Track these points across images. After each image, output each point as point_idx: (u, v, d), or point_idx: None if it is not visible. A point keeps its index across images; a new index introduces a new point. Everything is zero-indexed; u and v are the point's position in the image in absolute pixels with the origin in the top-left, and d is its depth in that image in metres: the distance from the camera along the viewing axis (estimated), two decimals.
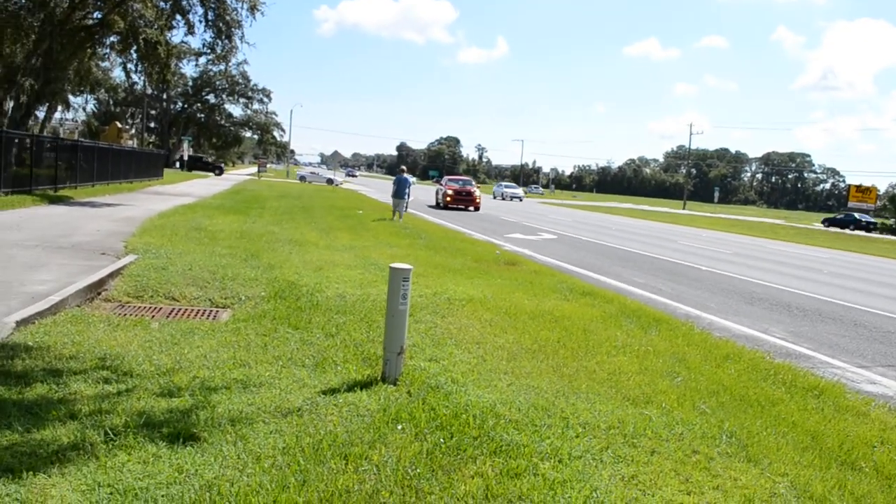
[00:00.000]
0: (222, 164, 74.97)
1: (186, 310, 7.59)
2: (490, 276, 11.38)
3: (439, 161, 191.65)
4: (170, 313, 7.38)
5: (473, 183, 39.92)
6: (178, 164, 70.80)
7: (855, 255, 28.38)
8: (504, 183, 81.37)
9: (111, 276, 8.78)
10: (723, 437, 4.85)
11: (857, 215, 62.00)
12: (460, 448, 4.23)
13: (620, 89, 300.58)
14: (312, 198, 33.45)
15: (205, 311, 7.62)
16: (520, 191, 71.20)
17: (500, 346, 6.81)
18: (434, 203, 39.21)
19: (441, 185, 39.82)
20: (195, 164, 68.80)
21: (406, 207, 25.65)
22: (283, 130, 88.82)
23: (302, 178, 72.08)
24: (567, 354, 6.67)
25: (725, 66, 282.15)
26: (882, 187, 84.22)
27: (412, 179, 28.16)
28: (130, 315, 7.12)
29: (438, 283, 10.08)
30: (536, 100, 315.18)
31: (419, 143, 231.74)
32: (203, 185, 38.53)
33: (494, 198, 64.90)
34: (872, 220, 60.43)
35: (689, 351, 7.31)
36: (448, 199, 36.18)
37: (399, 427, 4.48)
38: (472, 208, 36.11)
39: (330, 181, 68.09)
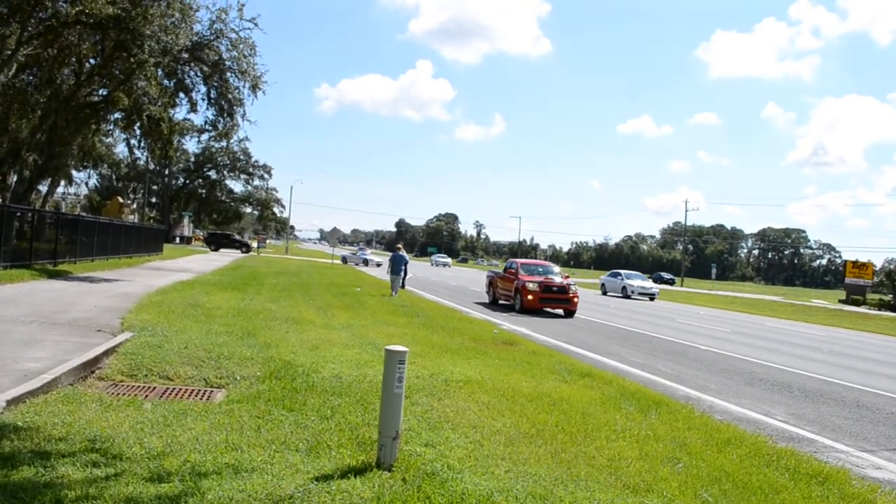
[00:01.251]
0: (249, 241, 74.51)
1: (180, 389, 7.50)
2: (488, 356, 11.29)
3: (438, 237, 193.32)
4: (163, 393, 7.29)
5: (558, 270, 26.89)
6: (177, 240, 71.04)
7: (854, 333, 28.28)
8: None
9: (106, 353, 8.70)
10: None
11: None
12: None
13: (616, 166, 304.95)
14: (311, 275, 33.49)
15: (199, 391, 7.53)
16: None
17: (498, 430, 6.70)
18: (489, 299, 27.75)
19: (504, 273, 26.74)
20: (221, 242, 67.29)
21: (403, 284, 25.77)
22: (282, 206, 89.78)
23: (344, 260, 66.04)
24: (565, 439, 6.56)
25: (718, 142, 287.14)
26: (878, 262, 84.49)
27: (407, 256, 27.48)
28: (123, 395, 7.03)
29: (435, 363, 10.00)
30: (533, 176, 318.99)
31: (418, 219, 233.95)
32: (202, 261, 38.65)
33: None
34: None
35: (690, 435, 7.19)
36: (530, 297, 23.15)
37: None
38: (563, 311, 23.72)
39: (366, 262, 63.79)
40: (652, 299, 42.51)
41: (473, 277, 56.84)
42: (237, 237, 73.94)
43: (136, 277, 22.30)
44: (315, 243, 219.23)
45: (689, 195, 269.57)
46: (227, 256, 49.35)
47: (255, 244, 74.19)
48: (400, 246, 27.90)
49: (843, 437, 8.45)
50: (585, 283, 66.22)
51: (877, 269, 79.70)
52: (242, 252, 62.81)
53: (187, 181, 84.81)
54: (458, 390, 8.30)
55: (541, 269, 26.02)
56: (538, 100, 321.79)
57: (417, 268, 64.11)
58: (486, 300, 27.82)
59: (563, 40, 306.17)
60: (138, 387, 7.49)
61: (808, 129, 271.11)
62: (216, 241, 67.32)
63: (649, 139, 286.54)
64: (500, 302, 26.13)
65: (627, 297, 42.48)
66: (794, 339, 22.68)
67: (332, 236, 59.22)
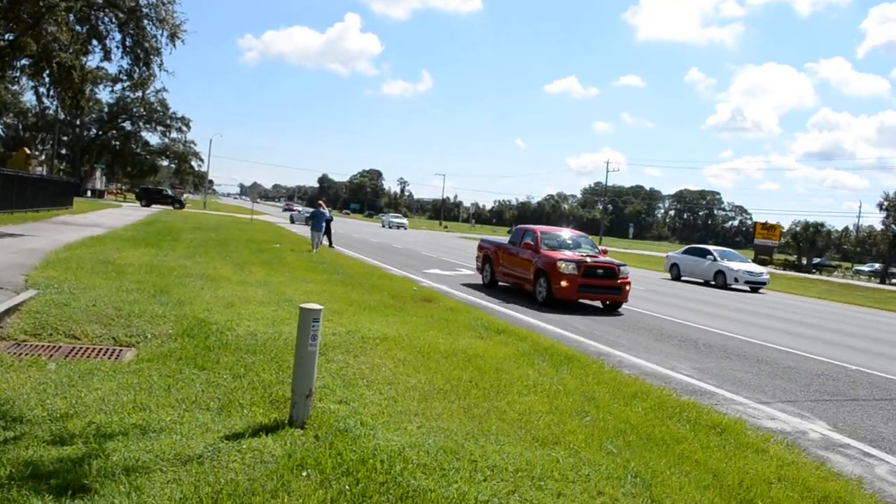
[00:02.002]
0: (182, 198, 71.45)
1: (88, 349, 7.29)
2: (406, 313, 11.34)
3: (361, 194, 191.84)
4: (69, 353, 7.07)
5: (591, 241, 19.14)
6: (89, 194, 68.24)
7: (759, 292, 29.50)
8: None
9: (7, 312, 8.36)
10: (628, 478, 4.92)
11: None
12: (365, 495, 4.16)
13: (541, 126, 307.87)
14: (229, 230, 32.80)
15: (107, 350, 7.33)
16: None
17: (413, 386, 6.77)
18: (483, 279, 20.06)
19: (511, 245, 18.60)
20: (153, 198, 63.81)
21: (331, 243, 25.58)
22: (201, 160, 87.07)
23: (292, 220, 63.53)
24: (479, 394, 6.69)
25: (642, 104, 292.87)
26: (786, 224, 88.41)
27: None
28: (26, 355, 6.78)
29: (353, 320, 9.99)
30: (459, 134, 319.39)
31: (341, 175, 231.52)
32: (115, 216, 37.36)
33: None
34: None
35: (599, 389, 7.43)
36: (565, 284, 15.60)
37: (304, 474, 4.37)
38: (607, 302, 16.54)
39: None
40: (756, 290, 29.49)
41: (427, 239, 56.68)
42: (170, 192, 71.00)
43: (43, 233, 21.39)
44: (235, 198, 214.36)
45: (611, 156, 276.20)
46: (142, 211, 47.83)
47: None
48: (321, 202, 27.68)
49: (742, 390, 8.87)
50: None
51: (784, 230, 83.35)
52: (175, 208, 60.47)
53: (100, 133, 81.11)
54: (375, 347, 8.33)
55: (570, 241, 18.15)
56: (467, 58, 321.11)
57: (370, 230, 63.41)
58: (478, 279, 20.48)
59: None
60: (42, 346, 7.24)
61: (728, 95, 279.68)
62: (148, 197, 64.15)
63: (575, 100, 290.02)
64: (501, 284, 19.17)
65: (724, 286, 28.71)
66: (702, 297, 23.56)
67: (252, 191, 58.02)
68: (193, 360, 6.94)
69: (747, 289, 29.00)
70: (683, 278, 31.59)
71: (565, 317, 14.12)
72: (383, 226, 79.86)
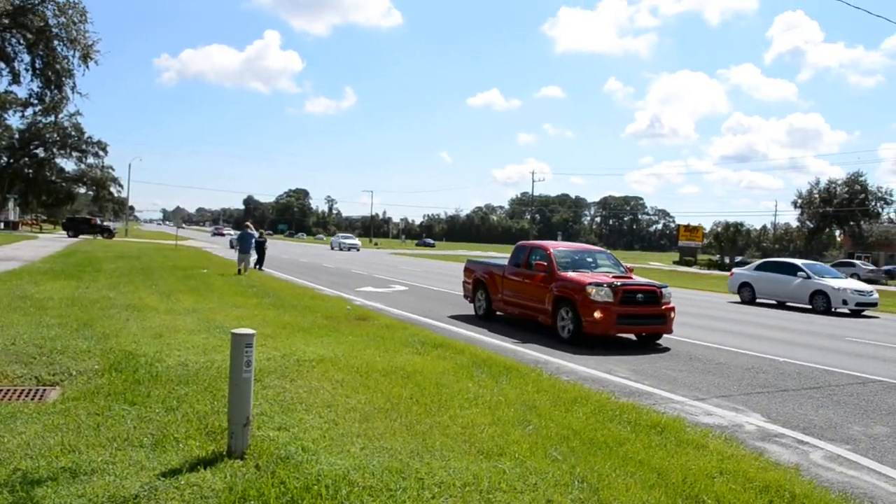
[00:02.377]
0: (112, 227, 68.38)
1: (8, 391, 6.93)
2: (341, 333, 11.20)
3: (288, 214, 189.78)
4: None
5: (615, 259, 15.55)
6: (1, 226, 65.28)
7: (687, 291, 30.29)
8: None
9: None
10: (575, 483, 4.93)
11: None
12: None
13: (466, 139, 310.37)
14: (153, 258, 31.88)
15: (30, 391, 6.98)
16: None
17: (353, 407, 6.67)
18: (476, 309, 16.42)
19: (512, 268, 15.28)
20: (80, 228, 60.86)
21: (251, 264, 25.17)
22: (120, 186, 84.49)
23: (232, 244, 60.47)
24: (420, 411, 6.63)
25: (563, 115, 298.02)
26: (707, 225, 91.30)
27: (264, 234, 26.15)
28: None
29: (287, 343, 9.82)
30: (385, 150, 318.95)
31: (267, 196, 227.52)
32: (31, 248, 35.90)
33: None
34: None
35: (539, 397, 7.46)
36: (600, 315, 12.17)
37: None
38: (649, 334, 13.30)
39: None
40: (858, 314, 22.67)
41: (357, 257, 56.14)
42: (98, 222, 68.16)
43: None
44: (158, 224, 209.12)
45: (535, 166, 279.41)
46: (60, 242, 46.07)
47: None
48: (248, 224, 27.34)
49: (678, 389, 9.05)
50: (434, 255, 67.14)
51: (706, 231, 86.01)
52: (104, 237, 58.03)
53: (11, 161, 77.56)
54: (312, 370, 8.19)
55: (590, 259, 14.85)
56: (390, 73, 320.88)
57: (298, 251, 62.48)
58: (468, 310, 16.87)
59: (415, 13, 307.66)
60: None
61: (646, 103, 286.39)
62: (75, 227, 61.23)
63: (498, 112, 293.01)
64: (499, 314, 15.77)
65: (827, 311, 22.51)
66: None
67: (175, 216, 56.26)
68: (123, 396, 6.68)
69: (846, 311, 22.52)
70: (760, 300, 25.27)
71: (498, 325, 14.17)
72: (332, 248, 70.56)
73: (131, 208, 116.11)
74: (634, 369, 10.26)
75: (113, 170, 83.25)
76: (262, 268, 27.64)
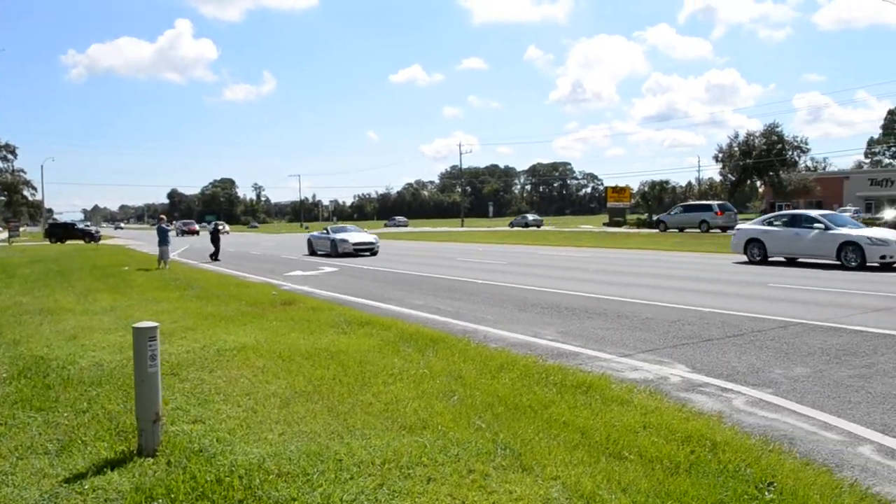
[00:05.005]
0: (98, 230, 64.05)
1: None
2: (265, 319, 10.92)
3: (215, 205, 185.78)
4: None
5: None
6: None
7: (616, 251, 30.75)
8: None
9: None
10: (497, 451, 4.85)
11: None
12: None
13: (391, 116, 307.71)
14: (72, 259, 30.70)
15: None
16: (226, 226, 77.38)
17: (273, 393, 6.46)
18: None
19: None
20: (64, 234, 57.16)
21: (169, 256, 24.75)
22: (34, 188, 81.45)
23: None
24: (343, 391, 6.46)
25: (487, 86, 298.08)
26: (634, 186, 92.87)
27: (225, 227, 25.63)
28: None
29: (208, 334, 9.51)
30: (310, 133, 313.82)
31: (192, 188, 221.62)
32: None
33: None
34: None
35: (466, 367, 7.37)
36: None
37: None
38: None
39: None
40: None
41: (287, 243, 54.95)
42: (82, 226, 64.32)
43: None
44: (88, 226, 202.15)
45: (463, 139, 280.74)
46: None
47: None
48: (162, 217, 27.62)
49: (605, 347, 9.08)
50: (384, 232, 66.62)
51: (634, 192, 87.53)
52: (86, 242, 54.71)
53: None
54: (232, 359, 7.94)
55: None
56: (308, 55, 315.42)
57: (224, 241, 60.95)
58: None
59: None
60: None
61: (567, 69, 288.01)
62: (57, 234, 57.65)
63: (421, 87, 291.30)
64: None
65: (862, 266, 18.92)
66: (564, 264, 24.24)
67: (95, 215, 54.58)
68: (29, 402, 6.34)
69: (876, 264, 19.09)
70: (772, 258, 22.21)
71: (430, 301, 14.07)
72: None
73: (49, 211, 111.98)
74: (563, 331, 10.27)
75: (24, 173, 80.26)
76: (218, 258, 28.50)
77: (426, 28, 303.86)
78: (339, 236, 30.44)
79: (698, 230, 46.88)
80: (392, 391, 6.42)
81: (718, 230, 44.78)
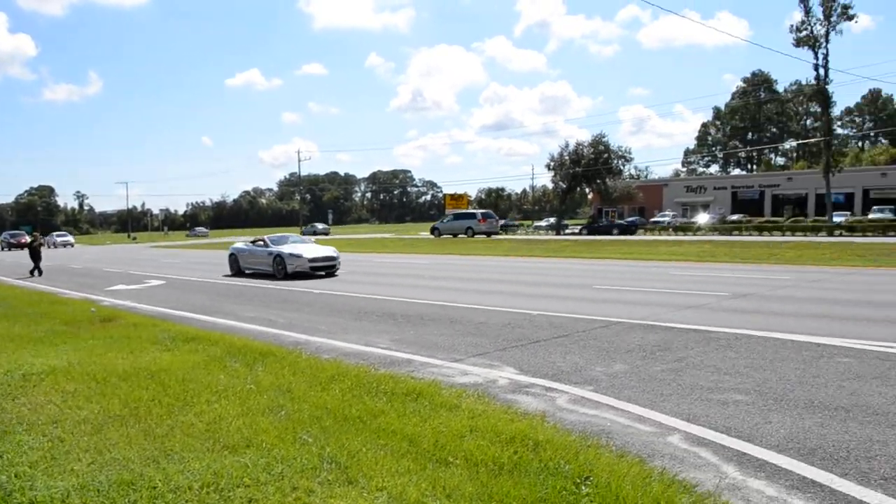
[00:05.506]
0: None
1: None
2: (80, 338, 10.19)
3: (31, 214, 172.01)
4: None
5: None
6: None
7: (451, 258, 31.37)
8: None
9: None
10: (324, 465, 4.76)
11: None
12: None
13: (227, 121, 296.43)
14: None
15: None
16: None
17: (83, 419, 6.01)
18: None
19: None
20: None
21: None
22: None
23: None
24: (162, 412, 6.12)
25: (327, 92, 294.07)
26: (472, 193, 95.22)
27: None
28: None
29: (13, 358, 8.73)
30: (140, 138, 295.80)
31: (6, 196, 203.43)
32: None
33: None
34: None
35: (295, 380, 7.21)
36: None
37: None
38: None
39: None
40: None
41: (112, 255, 51.42)
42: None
43: None
44: None
45: (302, 145, 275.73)
46: None
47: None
48: None
49: (437, 353, 9.17)
50: (201, 244, 64.13)
51: (471, 199, 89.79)
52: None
53: None
54: (39, 384, 7.33)
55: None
56: (138, 55, 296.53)
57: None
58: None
59: None
60: None
61: (407, 77, 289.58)
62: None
63: (259, 92, 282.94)
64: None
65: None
66: (401, 271, 24.40)
67: None
68: None
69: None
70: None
71: (263, 312, 13.70)
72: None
73: None
74: (397, 339, 10.29)
75: None
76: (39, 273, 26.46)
77: (265, 32, 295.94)
78: (286, 249, 22.24)
79: (465, 235, 52.96)
80: (216, 409, 6.15)
81: (483, 235, 52.62)
